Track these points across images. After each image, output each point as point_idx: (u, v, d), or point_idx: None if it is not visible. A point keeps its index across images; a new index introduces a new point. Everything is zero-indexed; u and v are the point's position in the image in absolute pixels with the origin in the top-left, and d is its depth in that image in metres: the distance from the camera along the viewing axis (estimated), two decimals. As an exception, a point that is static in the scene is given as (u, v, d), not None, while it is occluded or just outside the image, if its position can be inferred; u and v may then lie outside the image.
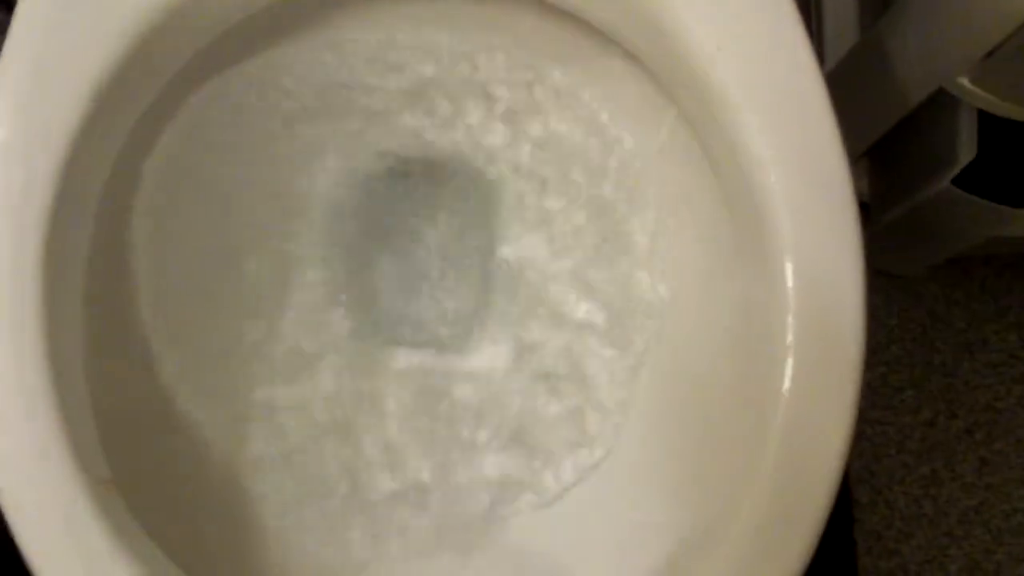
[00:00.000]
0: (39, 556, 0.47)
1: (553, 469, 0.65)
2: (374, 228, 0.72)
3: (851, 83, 0.86)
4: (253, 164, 0.67)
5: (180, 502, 0.59)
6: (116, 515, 0.49)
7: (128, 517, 0.50)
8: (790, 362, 0.48)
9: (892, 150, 0.93)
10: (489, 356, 0.68)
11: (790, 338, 0.48)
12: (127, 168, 0.58)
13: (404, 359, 0.68)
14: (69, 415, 0.48)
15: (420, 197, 0.72)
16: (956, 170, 0.79)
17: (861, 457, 1.08)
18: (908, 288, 1.12)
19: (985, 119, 0.79)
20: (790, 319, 0.48)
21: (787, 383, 0.48)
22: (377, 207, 0.72)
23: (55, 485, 0.47)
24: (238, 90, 0.65)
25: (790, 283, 0.49)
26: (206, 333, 0.65)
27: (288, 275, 0.68)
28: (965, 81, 0.70)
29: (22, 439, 0.47)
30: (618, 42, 0.59)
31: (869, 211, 1.00)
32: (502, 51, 0.67)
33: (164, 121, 0.61)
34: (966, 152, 0.79)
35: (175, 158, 0.63)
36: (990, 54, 0.67)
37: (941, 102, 0.77)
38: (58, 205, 0.50)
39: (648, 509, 0.61)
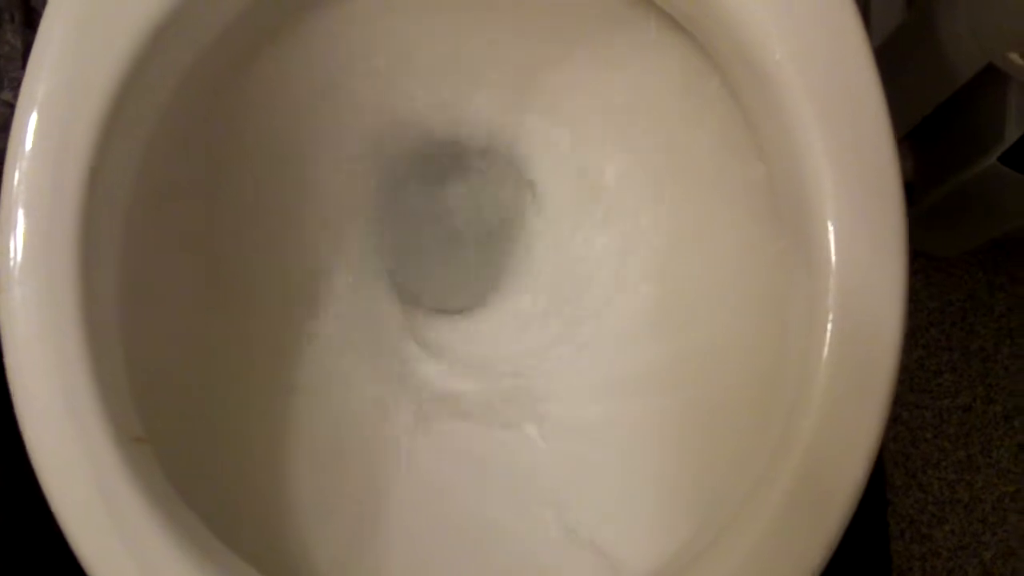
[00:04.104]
0: (69, 514, 0.47)
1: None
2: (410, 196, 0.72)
3: (898, 60, 0.85)
4: (289, 138, 0.68)
5: (211, 462, 0.59)
6: (147, 473, 0.49)
7: (160, 475, 0.50)
8: (830, 328, 0.48)
9: (937, 129, 0.92)
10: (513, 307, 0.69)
11: (830, 304, 0.48)
12: (173, 125, 0.58)
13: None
14: (102, 371, 0.48)
15: (457, 170, 0.73)
16: (1003, 148, 0.78)
17: (897, 440, 1.07)
18: (949, 271, 1.11)
19: (1034, 97, 0.78)
20: (832, 284, 0.48)
21: (826, 351, 0.48)
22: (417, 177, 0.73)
23: (86, 442, 0.47)
24: (280, 65, 0.65)
25: (832, 252, 0.48)
26: (242, 291, 0.65)
27: (326, 234, 0.69)
28: (1016, 56, 0.69)
29: (53, 395, 0.48)
30: (666, 10, 0.58)
31: (912, 192, 0.98)
32: (537, 24, 0.66)
33: (215, 84, 0.62)
34: (1014, 129, 0.77)
35: (223, 119, 0.63)
36: (1042, 28, 0.66)
37: (989, 79, 0.76)
38: (99, 157, 0.50)
39: (676, 480, 0.61)
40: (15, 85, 0.73)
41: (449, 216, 0.74)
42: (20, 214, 0.49)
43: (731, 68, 0.55)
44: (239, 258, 0.66)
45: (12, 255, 0.48)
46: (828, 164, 0.49)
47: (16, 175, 0.49)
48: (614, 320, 0.67)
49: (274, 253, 0.68)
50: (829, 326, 0.48)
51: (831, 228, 0.49)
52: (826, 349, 0.48)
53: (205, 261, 0.64)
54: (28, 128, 0.50)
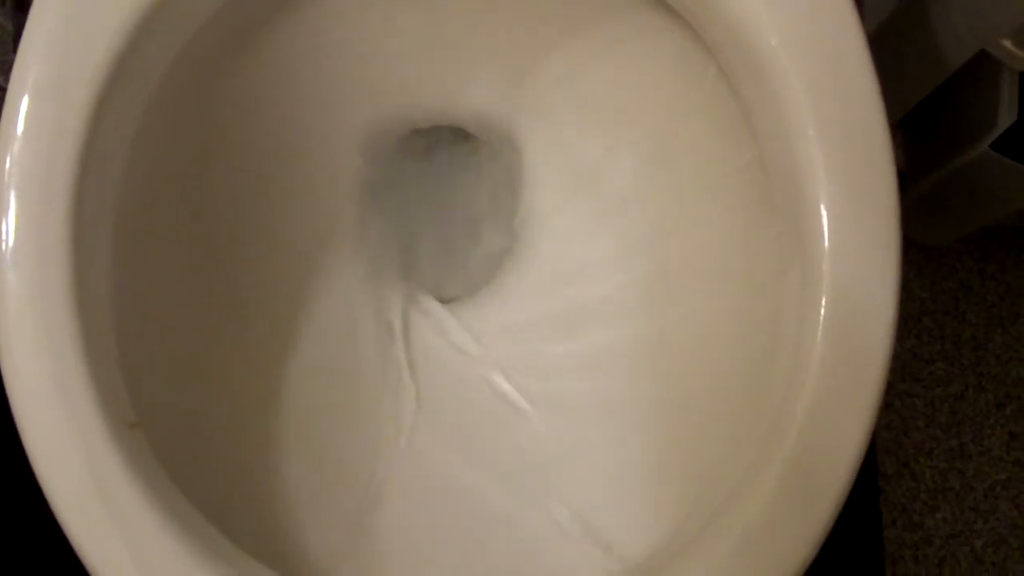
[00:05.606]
0: (63, 498, 0.47)
1: None
2: (403, 185, 0.72)
3: (891, 48, 0.85)
4: (280, 127, 0.68)
5: (205, 451, 0.59)
6: (141, 458, 0.49)
7: (153, 461, 0.50)
8: (823, 314, 0.48)
9: (929, 117, 0.92)
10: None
11: (823, 289, 0.48)
12: (161, 113, 0.58)
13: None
14: (94, 357, 0.48)
15: (451, 158, 0.73)
16: (996, 134, 0.78)
17: (889, 428, 1.07)
18: (941, 260, 1.11)
19: (1027, 84, 0.78)
20: (824, 269, 0.48)
21: (819, 337, 0.48)
22: (409, 164, 0.72)
23: (78, 427, 0.47)
24: (269, 54, 0.65)
25: (825, 237, 0.48)
26: (236, 278, 0.65)
27: (318, 228, 0.69)
28: (1008, 43, 0.69)
29: (46, 380, 0.47)
30: None
31: (904, 181, 0.98)
32: (533, 11, 0.66)
33: (204, 71, 0.61)
34: (1006, 116, 0.77)
35: (212, 107, 0.63)
36: (1035, 15, 0.66)
37: (982, 66, 0.76)
38: (89, 143, 0.50)
39: (668, 464, 0.61)
40: (6, 69, 0.72)
41: (443, 204, 0.74)
42: (12, 198, 0.49)
43: (726, 55, 0.55)
44: (231, 246, 0.65)
45: (4, 239, 0.48)
46: (821, 150, 0.49)
47: (8, 159, 0.49)
48: (606, 303, 0.67)
49: (266, 242, 0.68)
50: (822, 311, 0.48)
51: (824, 213, 0.48)
52: (819, 335, 0.48)
53: (197, 249, 0.64)
54: (20, 112, 0.50)
